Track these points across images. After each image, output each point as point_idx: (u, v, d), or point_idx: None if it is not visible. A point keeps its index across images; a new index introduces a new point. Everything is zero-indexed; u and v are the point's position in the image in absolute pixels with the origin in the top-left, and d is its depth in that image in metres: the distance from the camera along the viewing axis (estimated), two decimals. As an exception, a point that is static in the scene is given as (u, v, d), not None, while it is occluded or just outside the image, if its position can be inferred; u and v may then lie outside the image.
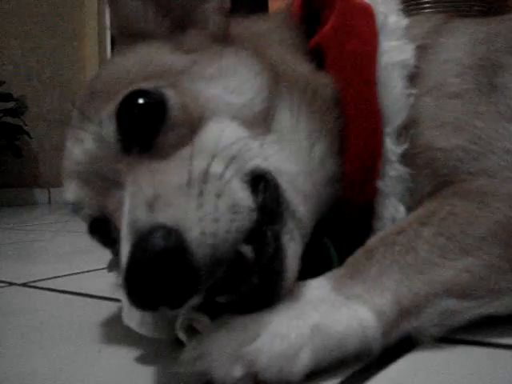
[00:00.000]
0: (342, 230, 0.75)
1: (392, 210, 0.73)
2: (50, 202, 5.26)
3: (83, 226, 0.73)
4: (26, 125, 4.83)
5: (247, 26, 0.82)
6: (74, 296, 1.00)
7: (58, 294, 1.03)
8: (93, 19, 5.87)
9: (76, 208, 0.70)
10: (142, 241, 0.49)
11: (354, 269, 0.59)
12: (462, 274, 0.59)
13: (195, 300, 0.53)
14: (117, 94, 0.66)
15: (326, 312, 0.53)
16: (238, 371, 0.49)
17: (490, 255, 0.60)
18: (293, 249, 0.60)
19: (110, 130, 0.65)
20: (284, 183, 0.64)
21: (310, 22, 0.83)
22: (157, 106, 0.64)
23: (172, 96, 0.65)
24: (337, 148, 0.74)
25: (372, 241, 0.64)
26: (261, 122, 0.68)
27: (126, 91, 0.66)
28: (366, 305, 0.55)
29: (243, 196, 0.56)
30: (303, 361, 0.50)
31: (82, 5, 5.85)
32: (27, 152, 5.11)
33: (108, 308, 0.89)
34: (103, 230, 0.69)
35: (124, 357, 0.64)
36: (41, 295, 1.03)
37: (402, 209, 0.73)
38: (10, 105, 4.74)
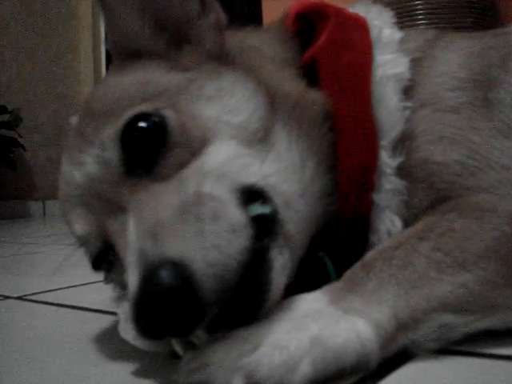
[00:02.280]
0: (337, 244, 0.75)
1: (388, 223, 0.73)
2: (44, 215, 5.25)
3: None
4: (21, 137, 4.83)
5: (242, 41, 0.82)
6: (70, 309, 1.00)
7: (53, 307, 1.02)
8: (87, 32, 5.89)
9: (84, 242, 0.70)
10: (150, 276, 0.51)
11: (352, 282, 0.60)
12: (459, 289, 0.59)
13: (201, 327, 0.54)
14: (117, 117, 0.66)
15: (324, 325, 0.54)
16: (238, 381, 0.49)
17: (487, 271, 0.60)
18: (280, 263, 0.59)
19: (113, 153, 0.65)
20: (280, 203, 0.64)
21: (305, 35, 0.83)
22: (158, 128, 0.65)
23: (172, 117, 0.66)
24: (329, 163, 0.74)
25: (370, 255, 0.64)
26: (259, 140, 0.68)
27: (128, 114, 0.66)
28: (363, 318, 0.55)
29: (238, 215, 0.57)
30: (303, 372, 0.50)
31: (77, 18, 5.87)
32: (22, 164, 5.11)
33: (104, 321, 0.88)
34: (106, 259, 0.70)
35: (120, 370, 0.64)
36: (36, 309, 1.03)
37: (397, 222, 0.73)
38: (5, 117, 4.75)
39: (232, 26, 0.81)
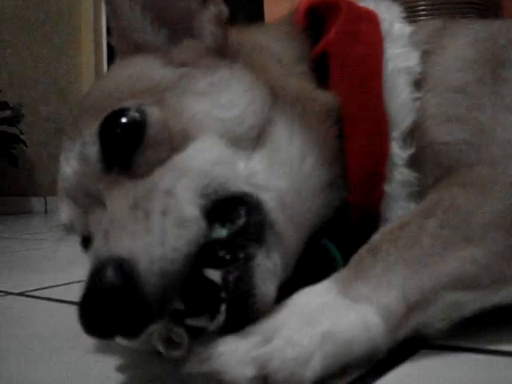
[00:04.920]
0: (346, 234, 0.75)
1: (400, 213, 0.73)
2: (46, 211, 5.25)
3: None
4: (23, 133, 4.82)
5: (247, 37, 0.81)
6: (72, 306, 1.00)
7: (55, 303, 1.03)
8: (89, 27, 5.89)
9: (68, 228, 0.72)
10: (94, 275, 0.51)
11: (359, 268, 0.59)
12: (468, 264, 0.59)
13: (156, 325, 0.55)
14: (103, 112, 0.66)
15: (334, 318, 0.54)
16: (249, 372, 0.49)
17: (494, 244, 0.60)
18: (267, 268, 0.58)
19: (92, 149, 0.65)
20: (270, 201, 0.63)
21: (314, 29, 0.83)
22: (136, 124, 0.64)
23: (153, 114, 0.65)
24: (334, 155, 0.74)
25: (375, 238, 0.64)
26: (251, 137, 0.67)
27: (109, 110, 0.66)
28: (372, 306, 0.55)
29: (190, 208, 0.57)
30: (314, 367, 0.50)
31: (78, 13, 5.86)
32: (23, 161, 5.11)
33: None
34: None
35: (121, 365, 0.64)
36: (38, 305, 1.03)
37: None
38: (7, 113, 4.75)
39: (235, 25, 0.81)
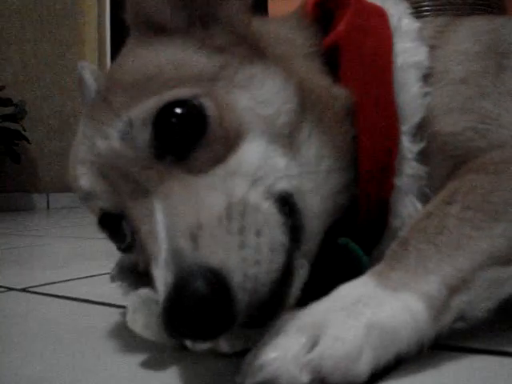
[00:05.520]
0: (356, 229, 0.76)
1: (410, 206, 0.74)
2: (48, 207, 5.26)
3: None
4: (25, 130, 4.83)
5: (266, 28, 0.80)
6: (74, 302, 1.00)
7: (57, 299, 1.03)
8: (93, 25, 5.89)
9: (88, 197, 0.69)
10: (186, 281, 0.51)
11: (393, 261, 0.60)
12: (499, 240, 0.59)
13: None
14: (150, 96, 0.64)
15: (376, 307, 0.54)
16: (305, 377, 0.49)
17: None
18: (301, 274, 0.60)
19: (143, 133, 0.63)
20: (304, 204, 0.65)
21: (322, 22, 0.84)
22: (197, 118, 0.63)
23: (210, 107, 0.64)
24: (350, 156, 0.74)
25: (404, 232, 0.64)
26: (285, 136, 0.67)
27: (166, 97, 0.64)
28: (414, 293, 0.55)
29: (280, 233, 0.58)
30: (366, 360, 0.50)
31: (82, 10, 5.86)
32: (26, 157, 5.11)
33: (108, 314, 0.88)
34: (114, 224, 0.69)
35: (125, 362, 0.64)
36: (40, 300, 1.03)
37: (419, 206, 0.74)
38: (10, 110, 4.75)
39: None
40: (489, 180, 0.65)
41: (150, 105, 0.64)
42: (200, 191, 0.59)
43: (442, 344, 0.58)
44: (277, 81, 0.70)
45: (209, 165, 0.62)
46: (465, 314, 0.57)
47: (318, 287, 0.61)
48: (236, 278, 0.51)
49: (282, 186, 0.63)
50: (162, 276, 0.54)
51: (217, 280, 0.50)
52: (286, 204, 0.62)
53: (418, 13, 2.82)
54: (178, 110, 0.63)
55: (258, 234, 0.55)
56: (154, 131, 0.63)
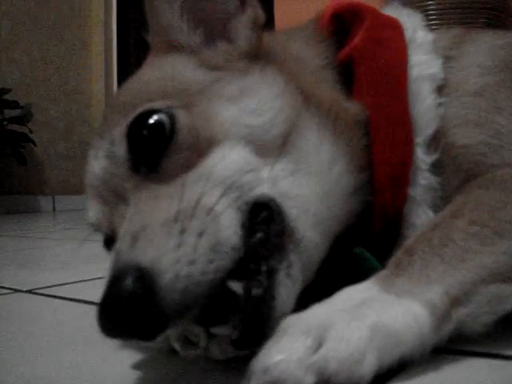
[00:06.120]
0: (370, 238, 0.76)
1: (423, 217, 0.75)
2: (54, 210, 5.27)
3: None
4: (32, 132, 4.85)
5: (277, 41, 0.81)
6: (79, 303, 1.00)
7: (62, 301, 1.03)
8: (99, 28, 5.91)
9: (95, 228, 0.72)
10: (115, 279, 0.53)
11: (398, 268, 0.60)
12: (502, 257, 0.60)
13: (172, 331, 0.57)
14: (131, 112, 0.67)
15: (380, 310, 0.54)
16: (310, 379, 0.49)
17: None
18: (287, 286, 0.60)
19: (120, 148, 0.66)
20: (293, 209, 0.64)
21: (339, 35, 0.84)
22: (164, 127, 0.65)
23: (182, 117, 0.65)
24: (362, 162, 0.75)
25: (409, 241, 0.64)
26: (279, 144, 0.67)
27: (138, 110, 0.66)
28: (416, 300, 0.55)
29: (229, 234, 0.57)
30: (370, 362, 0.50)
31: (89, 14, 5.89)
32: (32, 160, 5.13)
33: (113, 316, 0.88)
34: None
35: (129, 364, 0.64)
36: (46, 302, 1.03)
37: (432, 216, 0.74)
38: (16, 112, 4.77)
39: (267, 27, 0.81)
40: (497, 197, 0.65)
41: (127, 120, 0.66)
42: (160, 198, 0.61)
43: (443, 347, 0.58)
44: (272, 91, 0.70)
45: (178, 173, 0.63)
46: (464, 326, 0.57)
47: (330, 294, 0.60)
48: (165, 277, 0.52)
49: (260, 191, 0.63)
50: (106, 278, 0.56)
51: (144, 278, 0.52)
52: (266, 209, 0.62)
53: (423, 16, 2.82)
54: (148, 121, 0.65)
55: (200, 234, 0.56)
56: (128, 145, 0.66)
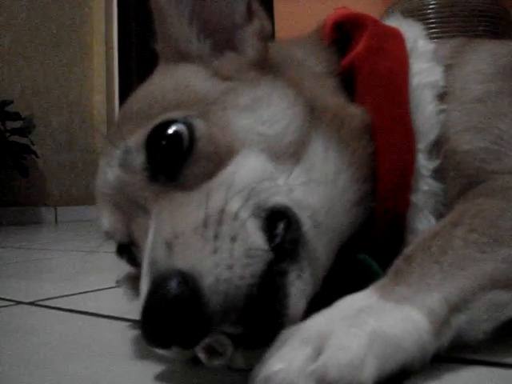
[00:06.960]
0: (372, 244, 0.77)
1: (425, 222, 0.76)
2: (56, 221, 5.27)
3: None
4: (34, 144, 4.86)
5: (282, 52, 0.83)
6: (82, 315, 1.00)
7: (65, 312, 1.03)
8: (100, 39, 5.94)
9: (108, 235, 0.73)
10: (158, 285, 0.53)
11: (397, 276, 0.60)
12: (502, 264, 0.60)
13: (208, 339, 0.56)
14: (148, 121, 0.68)
15: (379, 317, 0.54)
16: None
17: None
18: (299, 287, 0.61)
19: (138, 157, 0.67)
20: (305, 218, 0.65)
21: (341, 44, 0.86)
22: (183, 137, 0.66)
23: (200, 127, 0.67)
24: (367, 171, 0.75)
25: (408, 249, 0.65)
26: (291, 153, 0.69)
27: (157, 120, 0.67)
28: (415, 307, 0.55)
29: (258, 239, 0.58)
30: (370, 368, 0.50)
31: (90, 25, 5.92)
32: (34, 171, 5.14)
33: (116, 327, 0.89)
34: (127, 251, 0.73)
35: (132, 376, 0.64)
36: (48, 314, 1.03)
37: (434, 222, 0.75)
38: (18, 124, 4.78)
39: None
40: (497, 205, 0.66)
41: (145, 130, 0.67)
42: (184, 206, 0.62)
43: (444, 356, 0.57)
44: (284, 101, 0.72)
45: (199, 181, 0.65)
46: (464, 334, 0.57)
47: (333, 301, 0.60)
48: (207, 281, 0.53)
49: (278, 199, 0.64)
50: (142, 286, 0.56)
51: (187, 282, 0.52)
52: (283, 217, 0.63)
53: (424, 25, 2.83)
54: (167, 132, 0.66)
55: (232, 240, 0.57)
56: (146, 154, 0.67)
